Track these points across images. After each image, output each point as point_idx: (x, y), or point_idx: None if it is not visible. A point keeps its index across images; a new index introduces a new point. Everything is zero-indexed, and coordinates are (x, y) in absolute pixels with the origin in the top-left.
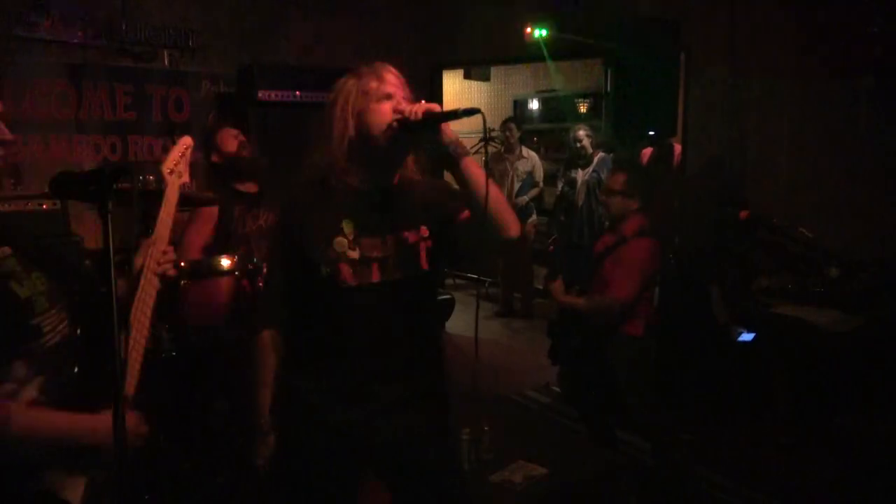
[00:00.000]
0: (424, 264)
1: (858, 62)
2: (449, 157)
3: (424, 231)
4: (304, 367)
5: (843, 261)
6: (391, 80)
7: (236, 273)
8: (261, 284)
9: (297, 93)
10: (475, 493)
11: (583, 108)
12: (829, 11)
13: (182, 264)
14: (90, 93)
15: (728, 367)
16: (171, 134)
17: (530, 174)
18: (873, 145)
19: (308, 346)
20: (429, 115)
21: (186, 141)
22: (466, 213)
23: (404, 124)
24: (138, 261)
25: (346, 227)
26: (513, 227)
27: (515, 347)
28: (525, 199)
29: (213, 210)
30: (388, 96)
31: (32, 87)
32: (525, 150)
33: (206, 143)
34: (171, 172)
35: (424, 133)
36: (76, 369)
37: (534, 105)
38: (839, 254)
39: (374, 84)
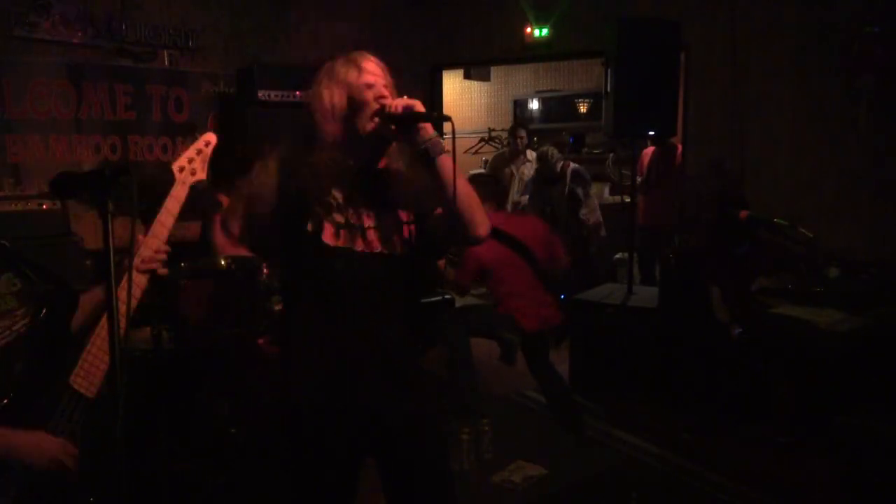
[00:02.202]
0: (405, 247)
1: (858, 62)
2: (424, 153)
3: (404, 216)
4: (296, 337)
5: (843, 261)
6: (370, 69)
7: (236, 273)
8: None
9: (297, 93)
10: (475, 493)
11: (583, 108)
12: (829, 11)
13: (182, 264)
14: (90, 93)
15: (728, 367)
16: (171, 134)
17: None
18: (873, 145)
19: (299, 314)
20: (407, 111)
21: (208, 138)
22: (439, 209)
23: (385, 116)
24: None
25: (336, 195)
26: (482, 226)
27: None
28: (527, 197)
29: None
30: (368, 86)
31: (32, 87)
32: (531, 154)
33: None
34: (182, 170)
35: (404, 127)
36: (21, 367)
37: (534, 105)
38: (839, 254)
39: (353, 74)
